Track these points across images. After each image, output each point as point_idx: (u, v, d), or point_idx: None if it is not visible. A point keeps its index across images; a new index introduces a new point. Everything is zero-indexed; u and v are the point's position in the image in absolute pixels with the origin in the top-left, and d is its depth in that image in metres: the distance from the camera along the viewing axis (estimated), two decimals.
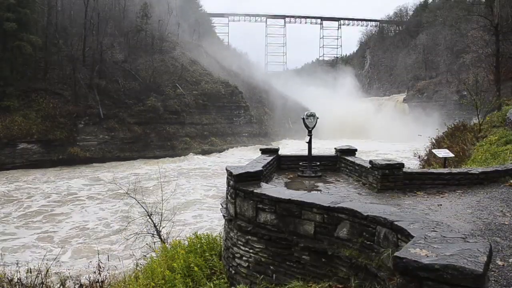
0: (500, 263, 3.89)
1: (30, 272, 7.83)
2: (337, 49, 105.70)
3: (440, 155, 12.38)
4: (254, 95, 66.03)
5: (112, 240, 16.46)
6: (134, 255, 10.19)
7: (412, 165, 20.72)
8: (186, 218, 19.71)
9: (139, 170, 35.80)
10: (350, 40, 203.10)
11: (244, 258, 5.81)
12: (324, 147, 38.83)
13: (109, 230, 18.29)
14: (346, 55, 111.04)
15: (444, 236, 3.17)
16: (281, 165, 9.90)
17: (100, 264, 8.21)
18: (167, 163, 39.02)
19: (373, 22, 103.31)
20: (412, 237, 3.32)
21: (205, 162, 41.62)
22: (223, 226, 7.13)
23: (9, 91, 38.73)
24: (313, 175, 9.01)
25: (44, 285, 7.71)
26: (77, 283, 8.08)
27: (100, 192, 26.86)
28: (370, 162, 7.78)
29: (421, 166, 18.66)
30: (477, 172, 7.68)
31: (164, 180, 26.72)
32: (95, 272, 8.10)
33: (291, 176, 9.19)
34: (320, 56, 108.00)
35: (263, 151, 9.92)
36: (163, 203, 11.62)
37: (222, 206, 7.04)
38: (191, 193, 26.09)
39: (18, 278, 7.80)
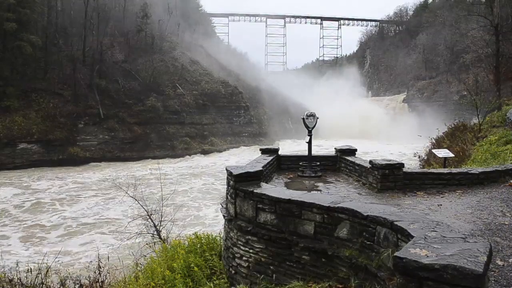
0: (500, 263, 3.89)
1: (30, 272, 7.81)
2: (337, 49, 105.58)
3: (440, 155, 12.38)
4: (254, 95, 65.96)
5: None
6: (134, 255, 10.18)
7: (412, 165, 20.72)
8: (186, 218, 19.72)
9: (138, 170, 35.80)
10: (350, 40, 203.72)
11: (244, 258, 5.80)
12: (324, 147, 38.88)
13: None
14: (346, 55, 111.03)
15: (444, 236, 3.17)
16: (281, 165, 9.91)
17: (100, 264, 8.20)
18: (167, 163, 39.02)
19: (373, 22, 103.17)
20: (412, 237, 3.32)
21: (204, 162, 41.62)
22: (223, 226, 7.12)
23: (9, 91, 38.76)
24: (313, 175, 9.01)
25: (44, 285, 7.70)
26: (77, 283, 8.07)
27: (23, 203, 23.77)
28: (370, 162, 7.78)
29: (421, 166, 18.66)
30: (477, 172, 7.67)
31: (164, 180, 26.67)
32: (95, 272, 8.09)
33: (291, 176, 9.19)
34: (320, 56, 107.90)
35: (263, 151, 9.92)
36: (163, 203, 11.61)
37: (222, 206, 7.03)
38: (191, 193, 26.11)
39: (18, 278, 7.78)
